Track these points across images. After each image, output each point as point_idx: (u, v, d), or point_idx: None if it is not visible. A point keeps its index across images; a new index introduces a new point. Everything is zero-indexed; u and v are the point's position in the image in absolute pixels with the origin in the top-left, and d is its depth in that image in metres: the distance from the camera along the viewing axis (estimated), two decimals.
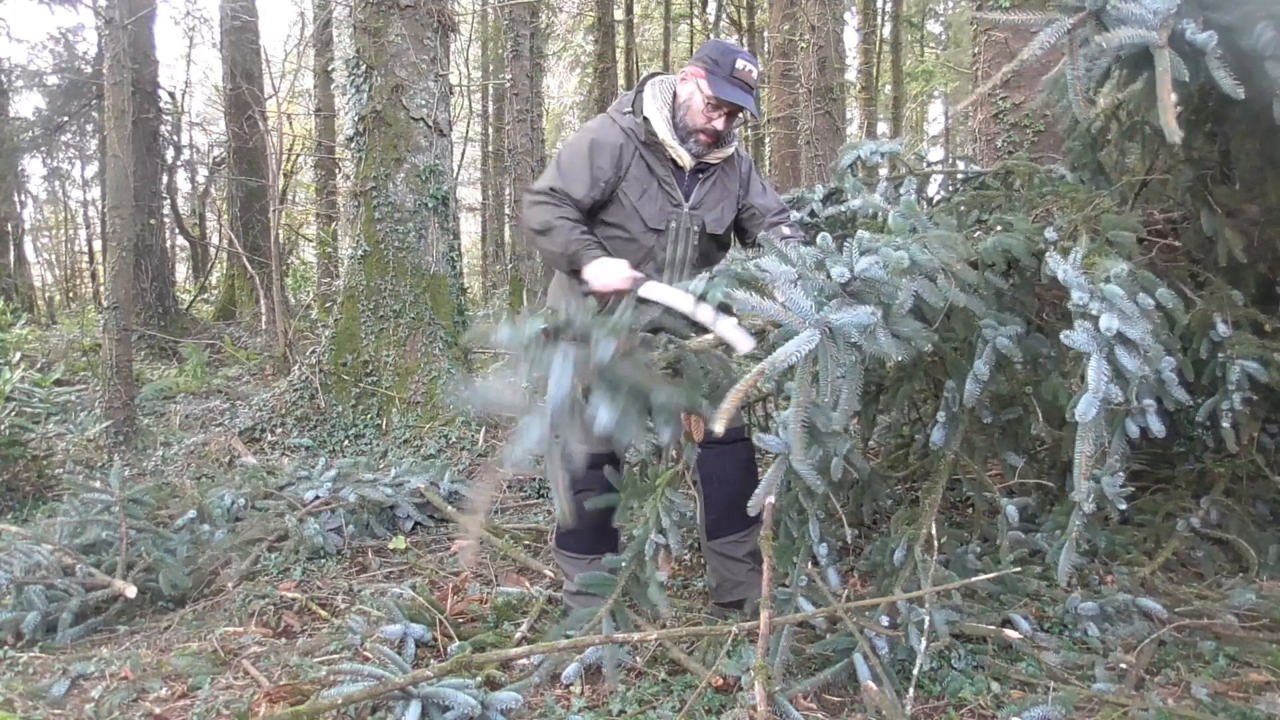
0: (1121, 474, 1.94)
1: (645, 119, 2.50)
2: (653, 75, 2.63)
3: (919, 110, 23.08)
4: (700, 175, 2.57)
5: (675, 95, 2.52)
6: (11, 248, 13.01)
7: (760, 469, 2.59)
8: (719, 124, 2.47)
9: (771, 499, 2.01)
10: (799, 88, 9.78)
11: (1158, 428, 1.84)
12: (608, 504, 2.33)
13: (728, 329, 1.95)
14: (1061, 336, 1.78)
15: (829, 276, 1.64)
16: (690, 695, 1.94)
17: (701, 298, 2.04)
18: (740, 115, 2.52)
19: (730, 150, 2.59)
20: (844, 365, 1.54)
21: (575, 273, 2.42)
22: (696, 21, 19.74)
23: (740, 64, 2.42)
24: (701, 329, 2.04)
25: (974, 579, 2.17)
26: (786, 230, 2.63)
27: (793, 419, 1.57)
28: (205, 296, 13.80)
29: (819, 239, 1.83)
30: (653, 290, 2.23)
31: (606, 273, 2.32)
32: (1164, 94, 1.56)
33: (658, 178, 2.50)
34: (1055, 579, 2.50)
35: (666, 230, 2.51)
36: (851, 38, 14.95)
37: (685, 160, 2.51)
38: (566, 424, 1.61)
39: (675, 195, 2.53)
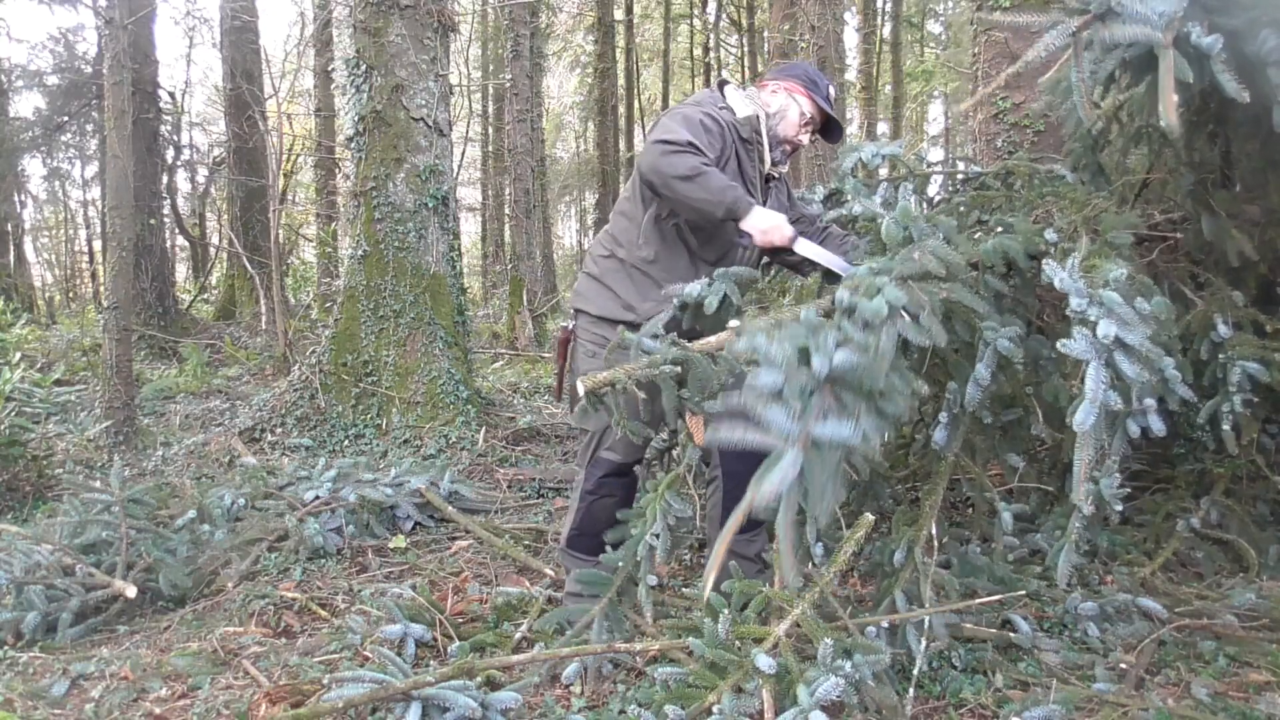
0: (1118, 475, 1.94)
1: (753, 117, 2.55)
2: (723, 81, 2.70)
3: (919, 110, 23.09)
4: (767, 185, 2.63)
5: (765, 104, 2.61)
6: (11, 248, 13.02)
7: None
8: (804, 138, 2.65)
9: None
10: None
11: (1159, 427, 1.84)
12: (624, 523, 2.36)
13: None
14: (1059, 345, 1.78)
15: (810, 368, 1.58)
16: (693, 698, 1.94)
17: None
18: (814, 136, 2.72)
19: (786, 168, 2.72)
20: (829, 468, 1.51)
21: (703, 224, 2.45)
22: (696, 21, 19.75)
23: (831, 90, 2.67)
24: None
25: (985, 598, 2.19)
26: (838, 231, 2.71)
27: (783, 537, 1.54)
28: (205, 296, 13.80)
29: (803, 315, 1.74)
30: (806, 247, 2.45)
31: (771, 224, 2.37)
32: (1166, 90, 1.56)
33: (746, 177, 2.53)
34: (1055, 579, 2.51)
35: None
36: (851, 38, 14.97)
37: (768, 165, 2.59)
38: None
39: (756, 196, 2.56)
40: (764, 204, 2.59)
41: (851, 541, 1.91)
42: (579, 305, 2.62)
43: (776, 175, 2.65)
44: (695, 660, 1.92)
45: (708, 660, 1.86)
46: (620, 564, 2.24)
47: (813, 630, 1.81)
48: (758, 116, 2.55)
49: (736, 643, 1.90)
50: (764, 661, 1.75)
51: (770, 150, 2.58)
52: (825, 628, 1.81)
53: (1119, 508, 1.94)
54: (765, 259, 2.87)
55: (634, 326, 2.45)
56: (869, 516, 1.92)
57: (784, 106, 2.60)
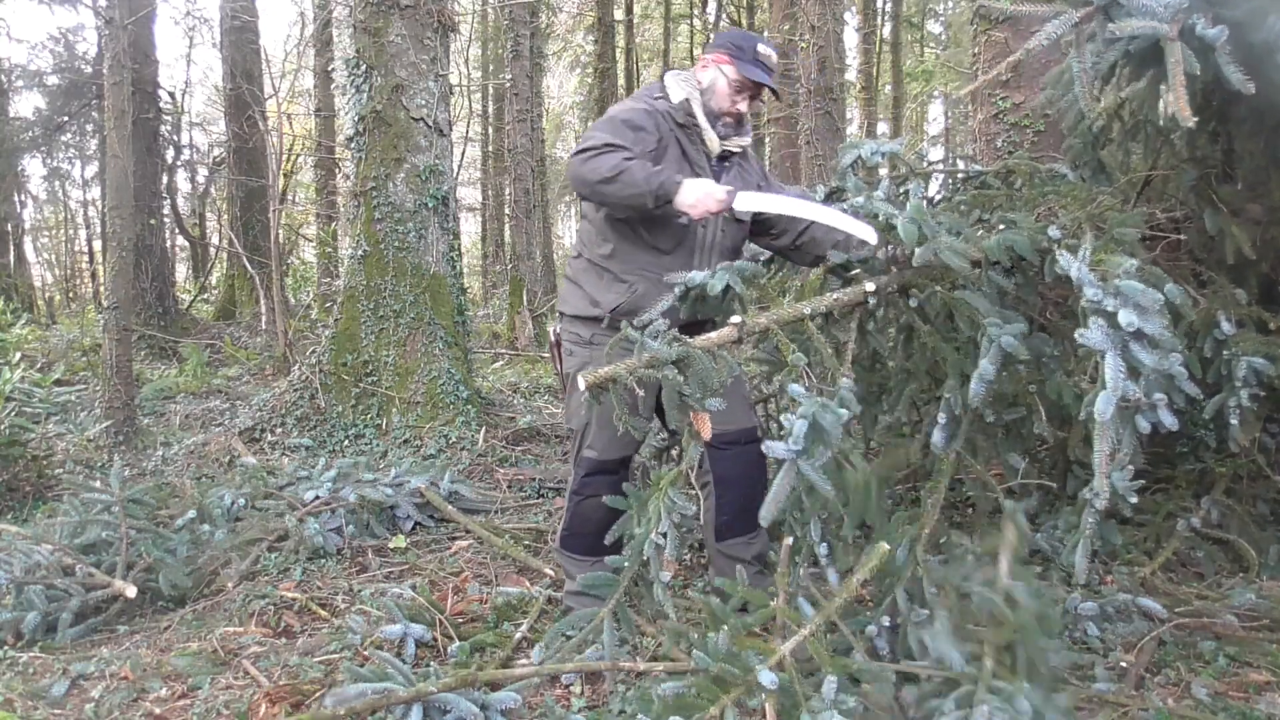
0: (1131, 468, 1.93)
1: (684, 100, 2.56)
2: (666, 69, 2.72)
3: (919, 110, 23.07)
4: (725, 164, 2.62)
5: (699, 83, 2.60)
6: (11, 248, 13.00)
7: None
8: (742, 106, 2.60)
9: (789, 540, 2.01)
10: (799, 88, 9.78)
11: (1170, 422, 1.81)
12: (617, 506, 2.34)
13: (847, 222, 2.29)
14: (1076, 335, 1.77)
15: None
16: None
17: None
18: (760, 99, 2.66)
19: (748, 141, 2.68)
20: None
21: (643, 211, 2.42)
22: (696, 21, 19.74)
23: (761, 48, 2.60)
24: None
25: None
26: (797, 190, 2.73)
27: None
28: (205, 296, 13.79)
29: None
30: (748, 200, 2.39)
31: (702, 196, 2.34)
32: (1176, 83, 1.55)
33: (690, 161, 2.54)
34: (1054, 579, 2.50)
35: None
36: (851, 38, 14.95)
37: (714, 144, 2.57)
38: None
39: (704, 178, 2.54)
40: (719, 183, 2.58)
41: (864, 570, 1.90)
42: (560, 307, 2.71)
43: (737, 150, 2.64)
44: (697, 670, 1.91)
45: (711, 674, 1.84)
46: (626, 565, 2.23)
47: (820, 656, 1.79)
48: (688, 99, 2.56)
49: (735, 651, 1.88)
50: (768, 677, 1.73)
51: (713, 127, 2.57)
52: (832, 661, 1.78)
53: (1133, 499, 1.92)
54: (769, 258, 2.86)
55: (598, 320, 2.54)
56: (884, 545, 1.90)
57: (713, 80, 2.60)
